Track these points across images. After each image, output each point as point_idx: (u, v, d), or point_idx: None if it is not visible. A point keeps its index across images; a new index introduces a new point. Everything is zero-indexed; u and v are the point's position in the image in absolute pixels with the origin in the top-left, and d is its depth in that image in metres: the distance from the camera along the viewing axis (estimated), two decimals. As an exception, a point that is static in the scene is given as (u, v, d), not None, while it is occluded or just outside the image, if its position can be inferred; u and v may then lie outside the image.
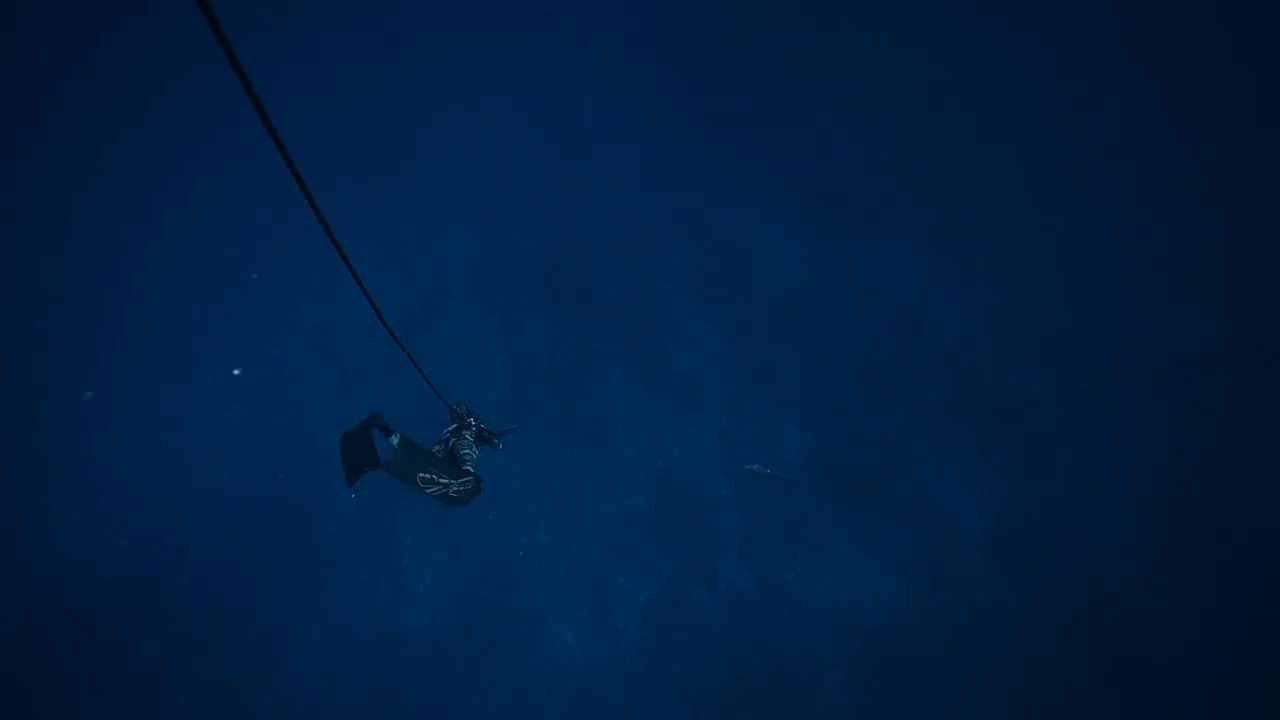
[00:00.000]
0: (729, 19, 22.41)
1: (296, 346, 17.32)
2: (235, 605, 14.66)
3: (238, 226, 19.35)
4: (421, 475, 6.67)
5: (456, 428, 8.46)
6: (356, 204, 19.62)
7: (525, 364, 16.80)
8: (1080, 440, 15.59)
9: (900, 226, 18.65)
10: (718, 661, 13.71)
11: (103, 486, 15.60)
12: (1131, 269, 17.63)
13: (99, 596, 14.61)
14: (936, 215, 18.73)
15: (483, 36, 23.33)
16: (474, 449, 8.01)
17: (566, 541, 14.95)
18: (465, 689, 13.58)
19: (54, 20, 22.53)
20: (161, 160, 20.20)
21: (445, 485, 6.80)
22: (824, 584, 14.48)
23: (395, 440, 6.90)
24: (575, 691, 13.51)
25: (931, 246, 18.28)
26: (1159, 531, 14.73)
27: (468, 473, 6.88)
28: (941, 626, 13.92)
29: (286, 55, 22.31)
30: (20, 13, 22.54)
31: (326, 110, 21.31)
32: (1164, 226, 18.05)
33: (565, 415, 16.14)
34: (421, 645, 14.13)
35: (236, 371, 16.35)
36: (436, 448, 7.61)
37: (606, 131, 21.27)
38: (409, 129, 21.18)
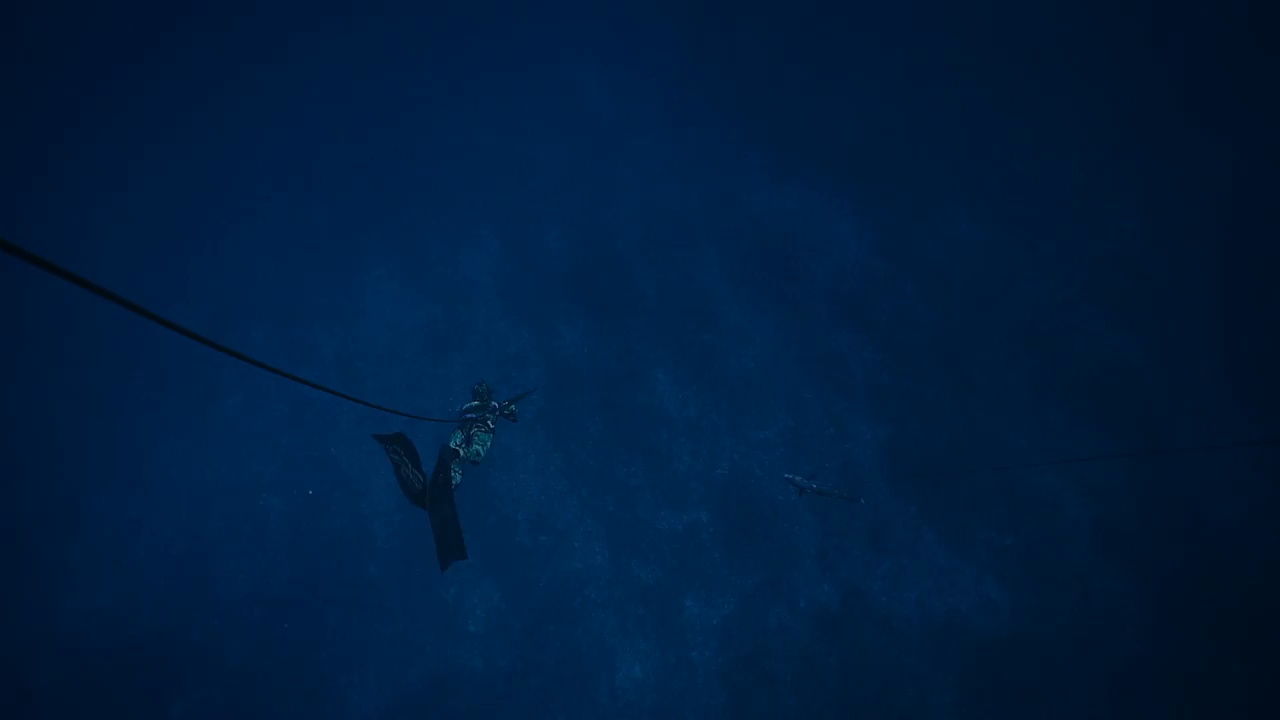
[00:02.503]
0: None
1: (317, 374, 16.25)
2: (272, 657, 13.56)
3: (246, 257, 18.50)
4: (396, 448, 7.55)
5: (479, 405, 8.66)
6: (371, 218, 18.64)
7: (565, 374, 15.54)
8: (1189, 404, 13.89)
9: (955, 192, 17.11)
10: (808, 688, 12.25)
11: (125, 537, 14.65)
12: (1223, 201, 15.87)
13: (123, 654, 13.60)
14: (994, 176, 17.14)
15: (486, 30, 22.32)
16: (488, 440, 8.29)
17: (625, 564, 13.61)
18: (530, 737, 12.26)
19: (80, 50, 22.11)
20: (167, 190, 19.49)
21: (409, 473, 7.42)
22: (916, 593, 12.95)
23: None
24: (652, 732, 12.13)
25: (993, 210, 16.69)
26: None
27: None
28: (1056, 632, 12.31)
29: (294, 68, 21.55)
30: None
31: (336, 122, 20.44)
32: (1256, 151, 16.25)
33: (613, 426, 14.83)
34: (477, 690, 12.87)
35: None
36: (456, 440, 8.17)
37: (623, 119, 20.06)
38: (419, 135, 20.18)
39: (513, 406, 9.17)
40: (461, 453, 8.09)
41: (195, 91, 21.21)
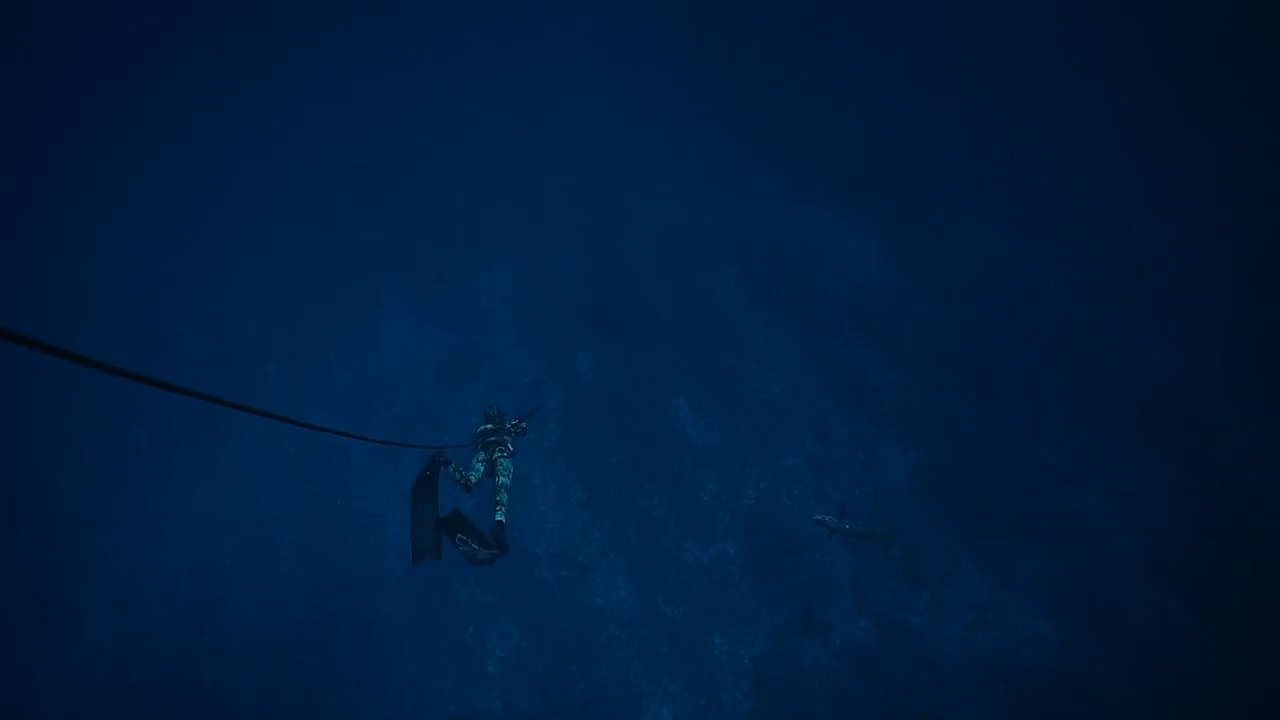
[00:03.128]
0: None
1: (330, 404, 16.01)
2: (282, 699, 13.05)
3: (259, 289, 18.42)
4: (459, 536, 7.29)
5: (493, 428, 8.55)
6: (385, 248, 18.55)
7: (583, 403, 15.16)
8: (1244, 423, 13.18)
9: (965, 199, 16.71)
10: (847, 732, 11.53)
11: (135, 574, 14.31)
12: (1224, 201, 15.33)
13: (129, 695, 13.15)
14: (999, 181, 16.75)
15: (499, 54, 22.47)
16: (509, 466, 8.18)
17: (651, 600, 13.04)
18: (553, 787, 11.62)
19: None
20: (174, 220, 19.56)
21: (474, 549, 7.29)
22: (958, 627, 12.24)
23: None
24: (683, 782, 11.45)
25: (1016, 223, 16.24)
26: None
27: (495, 547, 7.30)
28: (1114, 670, 11.54)
29: (313, 95, 21.74)
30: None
31: (348, 151, 20.51)
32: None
33: (634, 455, 14.38)
34: (497, 735, 12.27)
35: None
36: (478, 458, 8.13)
37: (637, 144, 19.99)
38: (431, 162, 20.18)
39: (524, 424, 9.03)
40: (473, 478, 7.93)
41: (205, 123, 21.47)
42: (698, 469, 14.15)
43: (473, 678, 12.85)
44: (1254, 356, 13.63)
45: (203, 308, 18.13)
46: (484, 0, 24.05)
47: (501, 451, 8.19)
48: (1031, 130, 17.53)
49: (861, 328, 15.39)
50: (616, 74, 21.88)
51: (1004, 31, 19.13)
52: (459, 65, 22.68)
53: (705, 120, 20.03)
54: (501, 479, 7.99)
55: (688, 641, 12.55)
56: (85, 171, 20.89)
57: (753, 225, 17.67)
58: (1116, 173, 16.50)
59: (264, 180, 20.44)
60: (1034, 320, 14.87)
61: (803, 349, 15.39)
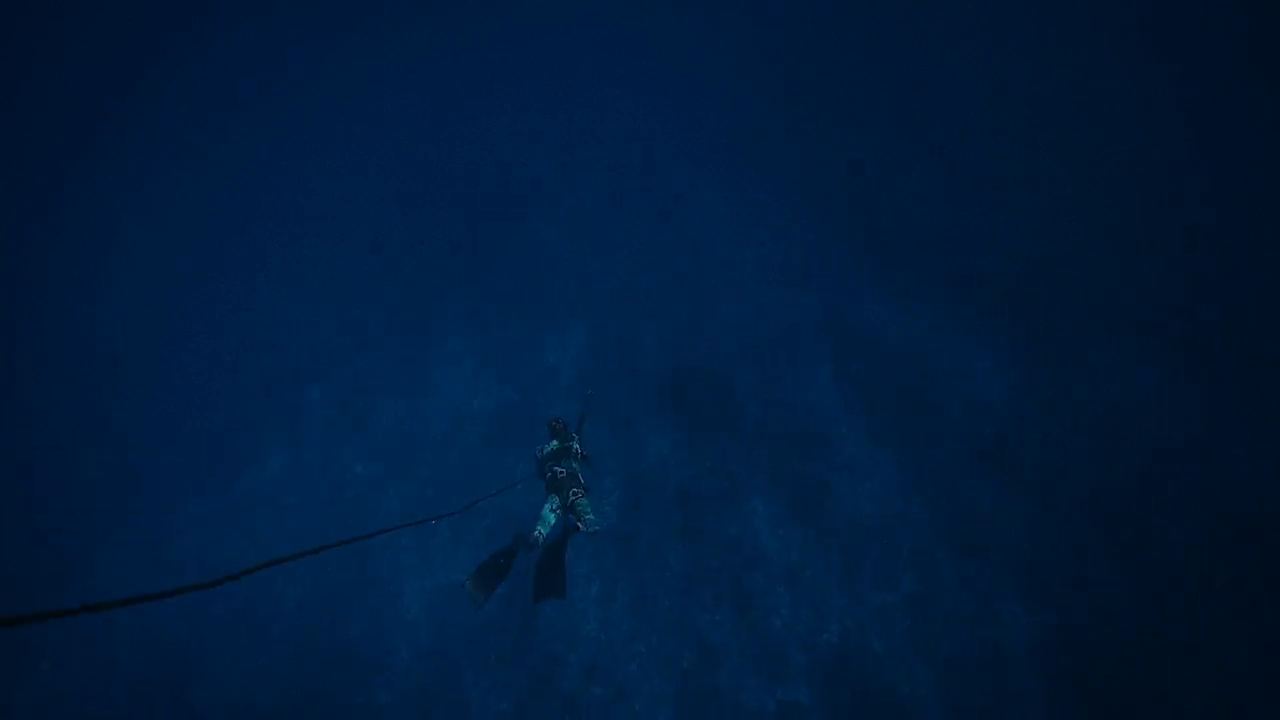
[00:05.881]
0: (871, 85, 20.56)
1: (363, 455, 14.57)
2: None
3: (321, 315, 17.62)
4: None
5: (560, 448, 8.43)
6: (457, 293, 17.65)
7: (645, 491, 13.31)
8: None
9: (1127, 335, 14.76)
10: None
11: (101, 620, 12.63)
12: None
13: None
14: (1177, 315, 14.76)
15: (592, 122, 22.33)
16: (588, 505, 7.84)
17: (698, 746, 10.57)
18: None
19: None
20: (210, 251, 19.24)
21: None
22: None
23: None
24: None
25: (1178, 354, 14.17)
26: None
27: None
28: None
29: (389, 141, 21.82)
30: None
31: (429, 188, 20.18)
32: None
33: (697, 560, 12.29)
34: None
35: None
36: (551, 505, 7.98)
37: (738, 224, 19.00)
38: (519, 211, 19.61)
39: (583, 428, 9.07)
40: (544, 530, 7.70)
41: (282, 140, 21.75)
42: (771, 589, 11.91)
43: (468, 808, 10.45)
44: None
45: (253, 323, 17.42)
46: (587, 71, 24.57)
47: (576, 493, 7.76)
48: (1207, 250, 15.71)
49: (979, 454, 13.28)
50: (713, 146, 21.41)
51: (1164, 149, 17.79)
52: (555, 127, 22.71)
53: (813, 207, 19.04)
54: (588, 515, 7.66)
55: (740, 811, 9.96)
56: (138, 175, 21.22)
57: (857, 323, 16.11)
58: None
59: (334, 201, 20.24)
60: (1207, 478, 12.47)
61: (905, 467, 13.32)
